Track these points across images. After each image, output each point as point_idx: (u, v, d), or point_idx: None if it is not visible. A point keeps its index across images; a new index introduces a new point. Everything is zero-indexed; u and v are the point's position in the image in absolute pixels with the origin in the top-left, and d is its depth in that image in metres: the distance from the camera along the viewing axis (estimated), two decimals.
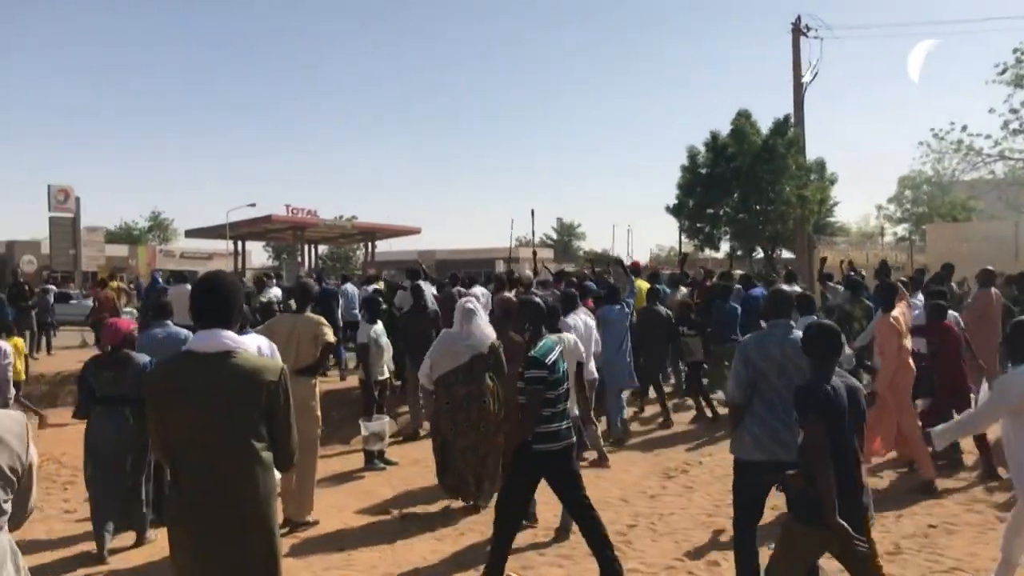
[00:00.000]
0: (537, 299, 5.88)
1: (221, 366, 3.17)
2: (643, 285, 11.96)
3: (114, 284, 18.60)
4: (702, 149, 30.83)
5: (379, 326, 9.37)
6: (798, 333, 4.79)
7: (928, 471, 7.54)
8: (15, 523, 2.79)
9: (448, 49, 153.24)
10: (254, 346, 5.27)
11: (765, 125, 30.53)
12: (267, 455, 3.24)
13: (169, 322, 7.64)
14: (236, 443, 3.16)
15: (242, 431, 3.16)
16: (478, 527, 6.76)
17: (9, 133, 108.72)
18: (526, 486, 5.48)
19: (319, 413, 7.06)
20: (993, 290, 10.16)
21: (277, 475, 3.38)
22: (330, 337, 7.11)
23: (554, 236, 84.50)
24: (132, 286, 24.63)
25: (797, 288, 11.96)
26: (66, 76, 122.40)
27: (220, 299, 3.31)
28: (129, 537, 6.52)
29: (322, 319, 7.30)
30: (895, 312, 7.47)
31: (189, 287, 14.89)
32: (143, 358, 6.47)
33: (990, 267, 10.69)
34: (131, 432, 6.28)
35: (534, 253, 14.57)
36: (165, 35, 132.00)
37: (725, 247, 32.62)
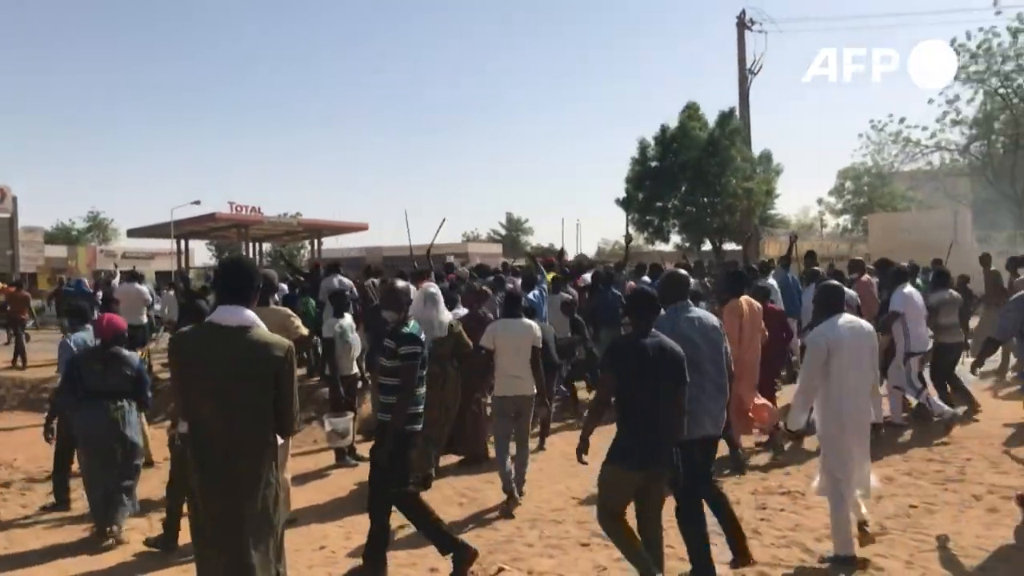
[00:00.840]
0: (405, 284, 5.97)
1: (238, 338, 3.62)
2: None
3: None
4: (652, 143, 31.05)
5: (346, 320, 9.16)
6: (695, 311, 5.24)
7: (739, 443, 8.04)
8: None
9: (391, 43, 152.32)
10: None
11: (714, 119, 30.87)
12: (269, 420, 3.67)
13: (89, 325, 7.57)
14: (245, 406, 3.60)
15: (251, 396, 3.60)
16: (455, 511, 6.73)
17: None
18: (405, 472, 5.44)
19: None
20: (864, 277, 11.35)
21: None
22: (303, 329, 6.90)
23: (502, 232, 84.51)
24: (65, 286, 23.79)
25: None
26: None
27: (241, 279, 3.77)
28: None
29: (290, 311, 7.11)
30: (741, 298, 7.96)
31: (138, 286, 14.56)
32: (134, 356, 6.78)
33: (859, 257, 12.25)
34: (115, 425, 6.43)
35: (428, 251, 14.50)
36: (98, 28, 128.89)
37: (675, 240, 32.93)
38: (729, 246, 32.87)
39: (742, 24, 31.70)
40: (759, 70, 31.50)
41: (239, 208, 40.61)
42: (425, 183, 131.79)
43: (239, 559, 3.54)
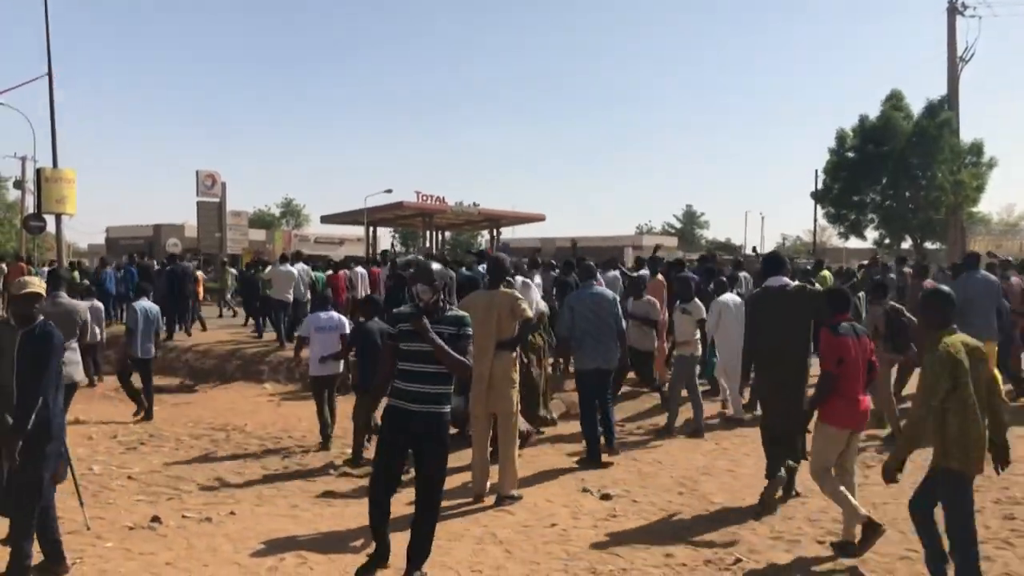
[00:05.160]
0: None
1: (782, 293, 6.42)
2: None
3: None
4: (850, 133, 29.65)
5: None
6: (596, 288, 8.51)
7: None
8: None
9: (574, 37, 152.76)
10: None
11: (916, 109, 29.20)
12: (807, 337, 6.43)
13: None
14: (796, 330, 6.31)
15: (798, 324, 6.31)
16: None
17: (150, 123, 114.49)
18: None
19: (518, 387, 7.02)
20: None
21: None
22: (528, 313, 7.05)
23: (677, 224, 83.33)
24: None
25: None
26: (207, 68, 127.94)
27: (776, 262, 6.71)
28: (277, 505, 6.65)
29: (518, 294, 7.24)
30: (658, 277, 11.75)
31: (288, 267, 15.65)
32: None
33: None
34: None
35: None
36: (303, 30, 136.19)
37: (871, 235, 31.35)
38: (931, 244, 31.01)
39: (953, 8, 29.76)
40: (971, 57, 29.52)
41: (425, 197, 41.88)
42: (603, 174, 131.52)
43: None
